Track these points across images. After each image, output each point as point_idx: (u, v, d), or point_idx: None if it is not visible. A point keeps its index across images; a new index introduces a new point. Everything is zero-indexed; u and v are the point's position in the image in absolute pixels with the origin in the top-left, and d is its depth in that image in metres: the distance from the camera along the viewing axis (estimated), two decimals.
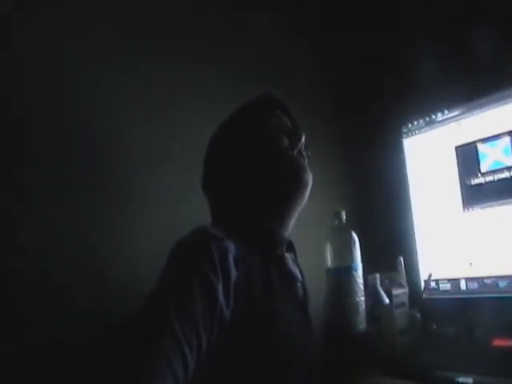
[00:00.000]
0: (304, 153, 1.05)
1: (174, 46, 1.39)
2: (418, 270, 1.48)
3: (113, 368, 0.66)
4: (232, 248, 0.81)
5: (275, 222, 0.99)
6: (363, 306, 1.13)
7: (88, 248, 1.13)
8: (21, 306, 1.00)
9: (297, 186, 1.00)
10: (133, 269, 1.17)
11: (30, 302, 1.01)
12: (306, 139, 1.07)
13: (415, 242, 1.51)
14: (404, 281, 1.36)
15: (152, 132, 1.30)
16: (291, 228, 1.04)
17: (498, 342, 1.14)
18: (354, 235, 1.16)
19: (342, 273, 1.13)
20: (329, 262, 1.16)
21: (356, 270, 1.14)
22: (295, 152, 1.02)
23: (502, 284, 1.29)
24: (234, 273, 0.78)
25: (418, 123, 1.55)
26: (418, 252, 1.50)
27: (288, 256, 1.03)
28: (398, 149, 1.59)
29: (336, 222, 1.19)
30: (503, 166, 1.31)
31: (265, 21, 1.67)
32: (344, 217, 1.20)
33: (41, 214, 1.08)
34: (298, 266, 1.05)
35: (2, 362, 0.92)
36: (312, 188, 1.04)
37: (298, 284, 0.99)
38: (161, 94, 1.34)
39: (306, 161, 1.05)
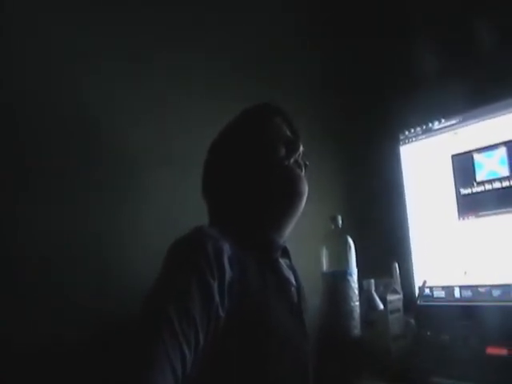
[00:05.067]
0: (301, 162, 1.04)
1: (175, 48, 1.39)
2: (413, 276, 1.49)
3: (113, 365, 0.67)
4: (227, 248, 0.82)
5: (270, 229, 1.00)
6: (358, 311, 1.13)
7: (87, 248, 1.13)
8: (20, 307, 1.00)
9: (292, 196, 1.00)
10: (132, 269, 1.18)
11: (29, 302, 1.01)
12: (304, 148, 1.07)
13: (410, 248, 1.52)
14: (399, 287, 1.35)
15: (152, 133, 1.30)
16: (288, 234, 1.04)
17: (492, 350, 1.14)
18: (350, 240, 1.17)
19: (338, 277, 1.13)
20: (324, 266, 1.16)
21: (351, 275, 1.14)
22: (291, 161, 1.02)
23: (496, 293, 1.29)
24: (229, 272, 0.79)
25: (414, 131, 1.56)
26: (413, 259, 1.51)
27: (282, 261, 1.03)
28: (395, 155, 1.60)
29: (332, 227, 1.20)
30: (498, 176, 1.32)
31: (264, 21, 1.67)
32: (340, 222, 1.20)
33: (40, 213, 1.08)
34: (294, 270, 1.05)
35: (3, 362, 0.93)
36: (309, 192, 1.04)
37: (292, 289, 0.99)
38: (161, 95, 1.34)
39: (303, 170, 1.04)
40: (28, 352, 0.96)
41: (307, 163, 1.08)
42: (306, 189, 1.01)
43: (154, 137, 1.30)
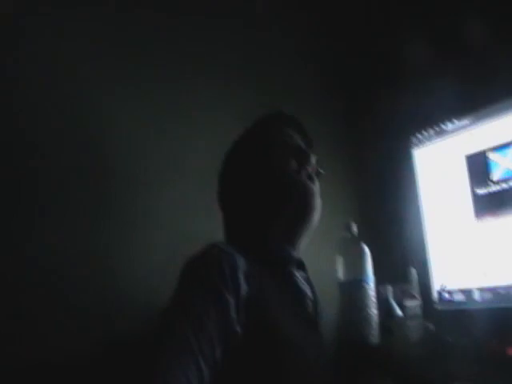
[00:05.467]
0: (313, 174, 1.04)
1: (185, 58, 1.42)
2: (431, 280, 1.46)
3: (128, 380, 0.69)
4: (242, 264, 0.82)
5: (284, 243, 1.00)
6: (376, 319, 1.13)
7: (95, 261, 1.15)
8: (24, 317, 1.01)
9: (304, 212, 1.00)
10: (141, 282, 1.19)
11: (33, 314, 1.02)
12: (317, 157, 1.07)
13: (427, 252, 1.49)
14: (417, 292, 1.35)
15: (161, 146, 1.32)
16: (303, 246, 1.04)
17: None
18: (366, 247, 1.17)
19: (354, 286, 1.13)
20: (340, 274, 1.16)
21: (368, 283, 1.14)
22: (303, 174, 1.02)
23: None
24: (244, 288, 0.80)
25: (427, 134, 1.54)
26: (431, 263, 1.48)
27: (298, 274, 1.02)
28: (409, 159, 1.58)
29: (347, 235, 1.20)
30: None
31: (274, 30, 1.70)
32: (355, 229, 1.21)
33: (47, 226, 1.09)
34: (310, 283, 1.05)
35: (5, 373, 0.93)
36: (323, 201, 1.05)
37: (309, 302, 0.99)
38: (173, 108, 1.37)
39: (316, 182, 1.04)
40: (32, 365, 0.97)
41: (322, 171, 1.09)
42: (318, 203, 1.02)
43: (163, 149, 1.32)
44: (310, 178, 1.03)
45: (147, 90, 1.32)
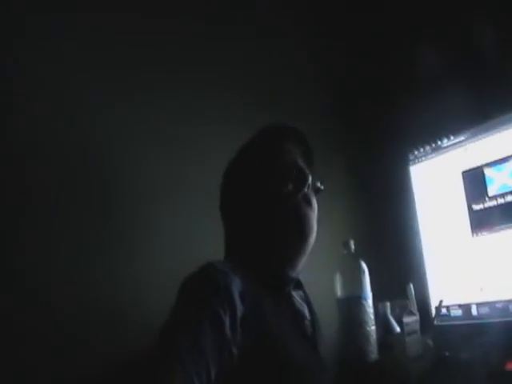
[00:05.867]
0: (310, 195, 1.03)
1: (187, 73, 1.42)
2: (429, 296, 1.47)
3: None
4: (238, 283, 0.82)
5: (282, 263, 0.99)
6: (374, 336, 1.12)
7: (93, 280, 1.14)
8: (22, 340, 1.00)
9: (299, 236, 1.00)
10: (139, 298, 1.18)
11: (31, 335, 1.02)
12: (317, 173, 1.07)
13: (425, 268, 1.50)
14: (415, 308, 1.34)
15: (163, 158, 1.32)
16: (302, 266, 1.04)
17: None
18: (363, 264, 1.16)
19: (352, 303, 1.12)
20: (338, 291, 1.15)
21: (366, 300, 1.13)
22: (300, 196, 1.01)
23: None
24: (240, 308, 0.79)
25: (424, 150, 1.55)
26: (428, 279, 1.49)
27: (296, 294, 1.03)
28: (405, 176, 1.59)
29: (345, 252, 1.19)
30: (511, 189, 1.31)
31: (273, 39, 1.69)
32: (353, 246, 1.19)
33: (44, 241, 1.09)
34: (309, 302, 1.05)
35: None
36: (320, 218, 1.04)
37: (306, 322, 0.99)
38: (175, 120, 1.36)
39: (313, 202, 1.04)
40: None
41: (321, 188, 1.08)
42: (313, 227, 1.01)
43: (163, 162, 1.32)
44: (306, 199, 1.02)
45: (148, 100, 1.32)
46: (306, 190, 1.02)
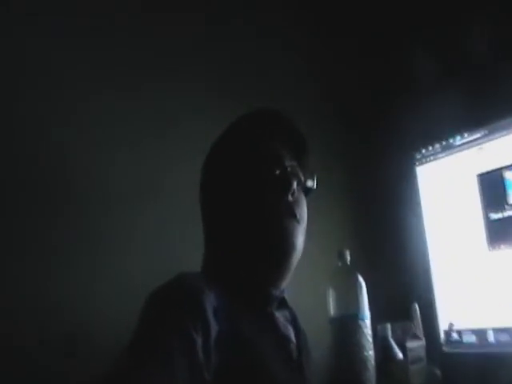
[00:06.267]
0: (294, 205, 0.93)
1: (168, 67, 1.39)
2: (437, 318, 1.40)
3: None
4: (212, 299, 0.76)
5: (262, 279, 0.92)
6: (372, 362, 1.04)
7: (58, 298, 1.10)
8: None
9: (281, 253, 0.91)
10: (102, 315, 1.14)
11: None
12: (305, 170, 0.98)
13: (432, 285, 1.43)
14: (420, 331, 1.30)
15: (138, 167, 1.29)
16: (286, 283, 0.97)
17: None
18: (361, 278, 1.09)
19: (348, 322, 1.05)
20: (332, 309, 1.07)
21: (363, 320, 1.05)
22: (283, 207, 0.92)
23: None
24: (214, 327, 0.74)
25: (433, 148, 1.48)
26: (437, 298, 1.41)
27: (280, 314, 0.96)
28: (411, 178, 1.52)
29: (339, 264, 1.11)
30: None
31: (271, 39, 1.67)
32: (348, 257, 1.11)
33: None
34: (295, 322, 0.99)
35: None
36: (310, 224, 0.96)
37: (292, 345, 0.93)
38: (150, 126, 1.34)
39: (299, 213, 0.94)
40: None
41: (313, 187, 1.00)
42: (297, 241, 0.92)
43: (138, 171, 1.29)
44: (289, 210, 0.92)
45: (123, 104, 1.29)
46: (289, 197, 0.92)
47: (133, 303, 0.90)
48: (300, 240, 0.93)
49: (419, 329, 1.31)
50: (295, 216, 0.92)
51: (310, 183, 1.00)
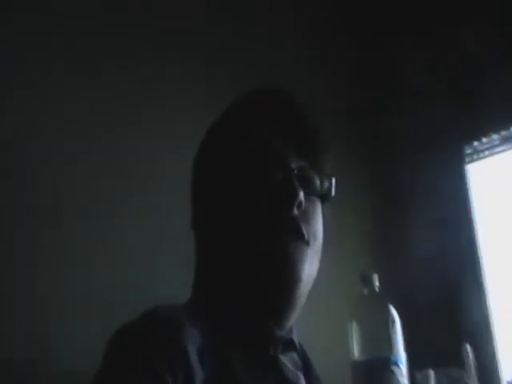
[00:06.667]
0: (300, 223, 0.76)
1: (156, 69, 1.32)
2: (496, 363, 1.30)
3: None
4: (196, 337, 0.66)
5: (263, 317, 0.78)
6: None
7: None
8: None
9: (282, 285, 0.75)
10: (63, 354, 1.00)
11: None
12: (319, 169, 0.80)
13: (490, 320, 1.32)
14: (474, 381, 1.17)
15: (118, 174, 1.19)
16: (293, 321, 0.82)
17: None
18: (393, 311, 0.95)
19: (377, 368, 0.91)
20: (355, 351, 0.94)
21: (397, 364, 0.90)
22: (284, 226, 0.75)
23: None
24: (199, 371, 0.63)
25: (488, 141, 1.38)
26: (496, 336, 1.31)
27: (286, 359, 0.80)
28: (460, 178, 1.42)
29: (364, 291, 0.97)
30: None
31: (285, 44, 1.62)
32: (377, 283, 0.98)
33: None
34: (307, 369, 0.83)
35: None
36: (329, 242, 0.81)
37: None
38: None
39: (305, 233, 0.76)
40: None
41: (331, 192, 0.81)
42: (304, 269, 0.76)
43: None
44: (294, 229, 0.75)
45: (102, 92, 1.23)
46: (293, 211, 0.75)
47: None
48: (309, 267, 0.76)
49: (473, 377, 1.19)
50: (302, 236, 0.75)
51: (326, 188, 0.81)
